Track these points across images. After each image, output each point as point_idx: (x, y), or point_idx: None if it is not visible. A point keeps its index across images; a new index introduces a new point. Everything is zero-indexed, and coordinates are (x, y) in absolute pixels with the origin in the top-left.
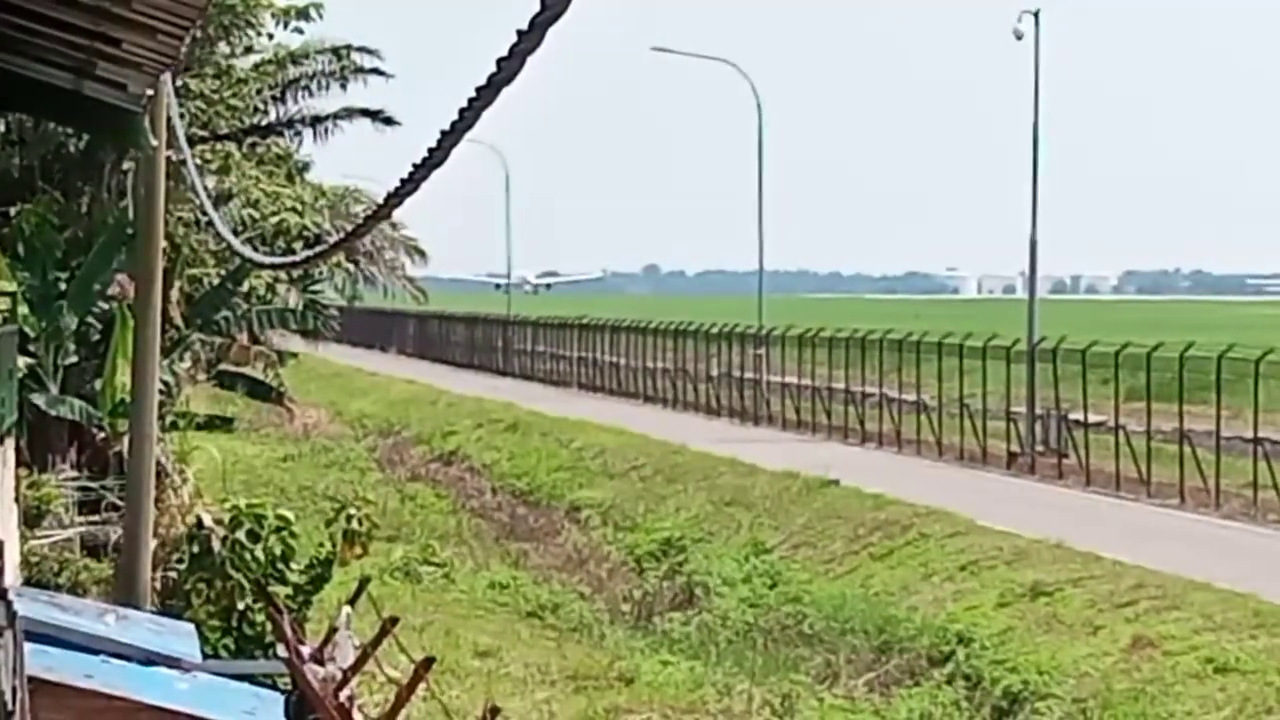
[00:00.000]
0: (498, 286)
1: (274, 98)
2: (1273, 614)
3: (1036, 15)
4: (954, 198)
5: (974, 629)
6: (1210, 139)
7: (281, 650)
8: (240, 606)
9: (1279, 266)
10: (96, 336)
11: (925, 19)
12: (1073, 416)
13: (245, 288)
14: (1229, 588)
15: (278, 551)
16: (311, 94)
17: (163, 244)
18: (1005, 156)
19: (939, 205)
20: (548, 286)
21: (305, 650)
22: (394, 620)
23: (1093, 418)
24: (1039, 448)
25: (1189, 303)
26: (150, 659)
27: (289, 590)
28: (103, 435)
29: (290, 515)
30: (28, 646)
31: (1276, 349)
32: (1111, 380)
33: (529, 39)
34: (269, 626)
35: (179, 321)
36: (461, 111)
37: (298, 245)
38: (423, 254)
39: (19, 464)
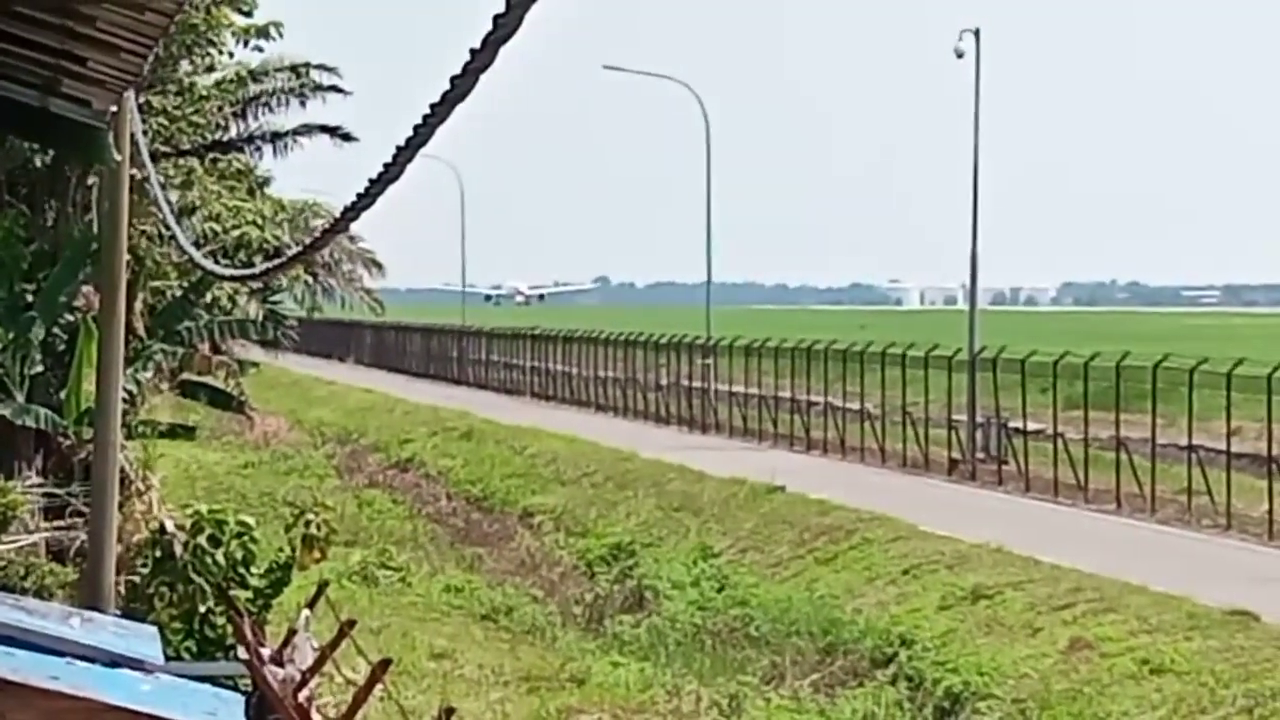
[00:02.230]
0: (488, 298)
1: (235, 114)
2: (1206, 616)
3: (977, 34)
4: (897, 212)
5: (916, 631)
6: (1146, 155)
7: (242, 652)
8: (202, 610)
9: (1213, 278)
10: (62, 347)
11: (869, 37)
12: (1012, 424)
13: (207, 299)
14: (1164, 591)
15: (238, 556)
16: (271, 110)
17: (126, 257)
18: (947, 171)
19: (882, 219)
20: (540, 298)
21: (265, 652)
22: (351, 623)
23: (1032, 425)
24: (979, 455)
25: (1125, 313)
26: (114, 661)
27: (249, 594)
28: (68, 443)
29: (251, 521)
30: None
31: (1210, 359)
32: (1050, 389)
33: (482, 57)
34: (230, 629)
35: (142, 332)
36: (417, 127)
37: (258, 258)
38: (380, 266)
39: None
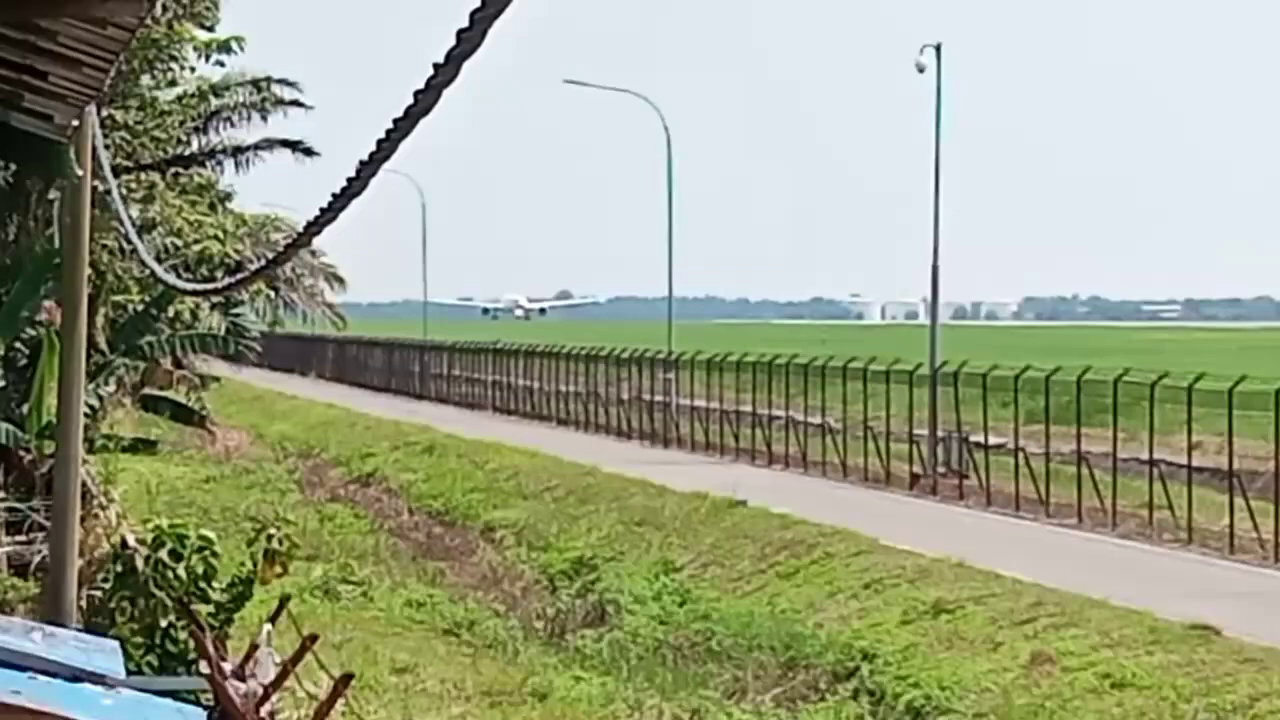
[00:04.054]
0: (485, 311)
1: (196, 129)
2: (1168, 630)
3: (938, 49)
4: (858, 225)
5: (878, 645)
6: (1107, 169)
7: (204, 667)
8: (163, 624)
9: (1173, 293)
10: (24, 361)
11: (830, 51)
12: (973, 439)
13: (169, 314)
14: (1125, 605)
15: (200, 570)
16: (233, 125)
17: (88, 271)
18: (908, 185)
19: (844, 233)
20: (541, 311)
21: (227, 667)
22: (313, 637)
23: (993, 440)
24: (941, 469)
25: (1086, 328)
26: (76, 675)
27: (211, 608)
28: (30, 457)
29: (212, 535)
30: None
31: (1171, 373)
32: (1011, 403)
33: (445, 72)
34: (192, 644)
35: (104, 346)
36: (379, 142)
37: (220, 272)
38: (341, 280)
39: None
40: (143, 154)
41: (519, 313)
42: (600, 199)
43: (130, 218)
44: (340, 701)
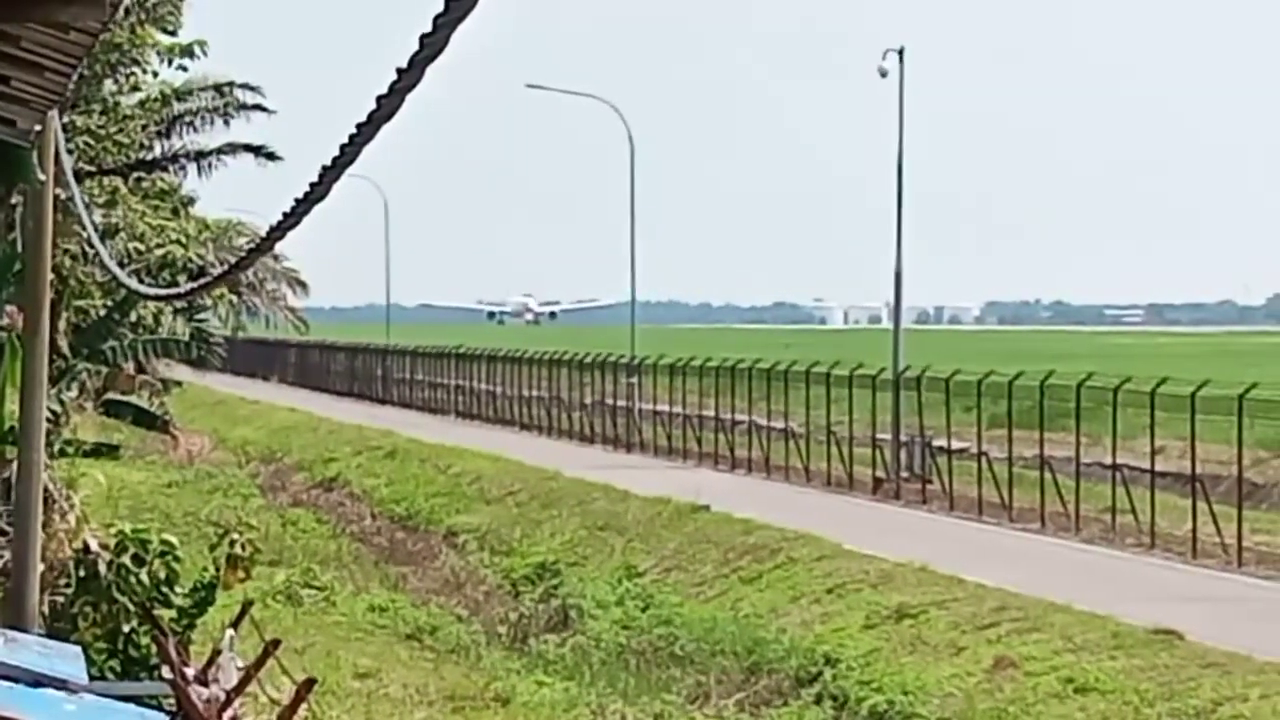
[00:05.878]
0: (491, 315)
1: (159, 133)
2: (1130, 635)
3: (901, 53)
4: (821, 230)
5: (841, 650)
6: (1070, 175)
7: (166, 672)
8: (126, 629)
9: (1136, 298)
10: None
11: (792, 56)
12: (936, 443)
13: (132, 318)
14: (1088, 610)
15: (162, 575)
16: (196, 130)
17: (50, 276)
18: (871, 190)
19: (806, 238)
20: (551, 315)
21: (190, 672)
22: (276, 642)
23: (956, 444)
24: (904, 474)
25: (1049, 333)
26: (38, 680)
27: (174, 613)
28: None
29: (175, 540)
30: None
31: (1134, 378)
32: (974, 408)
33: (408, 77)
34: (154, 649)
35: (67, 351)
36: (343, 147)
37: (182, 277)
38: (304, 285)
39: None
40: (105, 159)
41: (528, 316)
42: (566, 204)
43: (93, 223)
44: (303, 706)
